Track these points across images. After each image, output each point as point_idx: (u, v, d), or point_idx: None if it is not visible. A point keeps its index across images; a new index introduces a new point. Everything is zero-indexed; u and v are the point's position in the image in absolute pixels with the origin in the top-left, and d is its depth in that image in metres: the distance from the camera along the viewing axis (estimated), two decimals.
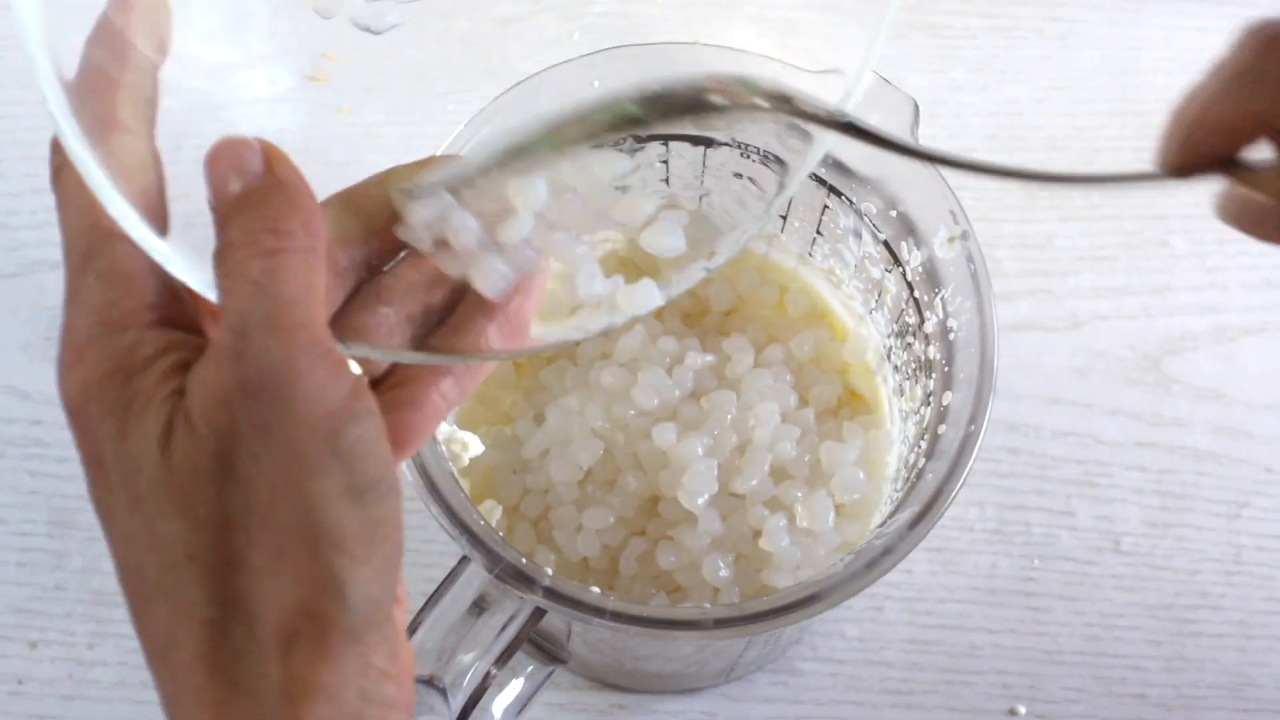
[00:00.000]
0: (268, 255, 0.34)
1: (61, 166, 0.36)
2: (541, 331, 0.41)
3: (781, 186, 0.41)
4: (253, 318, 0.34)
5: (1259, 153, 0.36)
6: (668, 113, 0.38)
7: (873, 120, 0.51)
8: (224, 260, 0.35)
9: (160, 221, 0.36)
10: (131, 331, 0.35)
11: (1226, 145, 0.36)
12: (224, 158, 0.36)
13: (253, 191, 0.36)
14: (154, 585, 0.34)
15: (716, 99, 0.37)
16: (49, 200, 0.37)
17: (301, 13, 0.44)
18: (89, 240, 0.36)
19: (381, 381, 0.40)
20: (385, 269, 0.40)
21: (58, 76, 0.35)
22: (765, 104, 0.38)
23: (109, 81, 0.36)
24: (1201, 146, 0.36)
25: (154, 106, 0.37)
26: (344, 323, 0.39)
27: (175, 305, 0.36)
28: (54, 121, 0.34)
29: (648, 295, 0.40)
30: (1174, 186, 0.37)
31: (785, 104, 0.37)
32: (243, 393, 0.33)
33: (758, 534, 0.54)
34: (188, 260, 0.36)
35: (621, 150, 0.51)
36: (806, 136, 0.40)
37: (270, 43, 0.44)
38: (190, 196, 0.37)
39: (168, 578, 0.34)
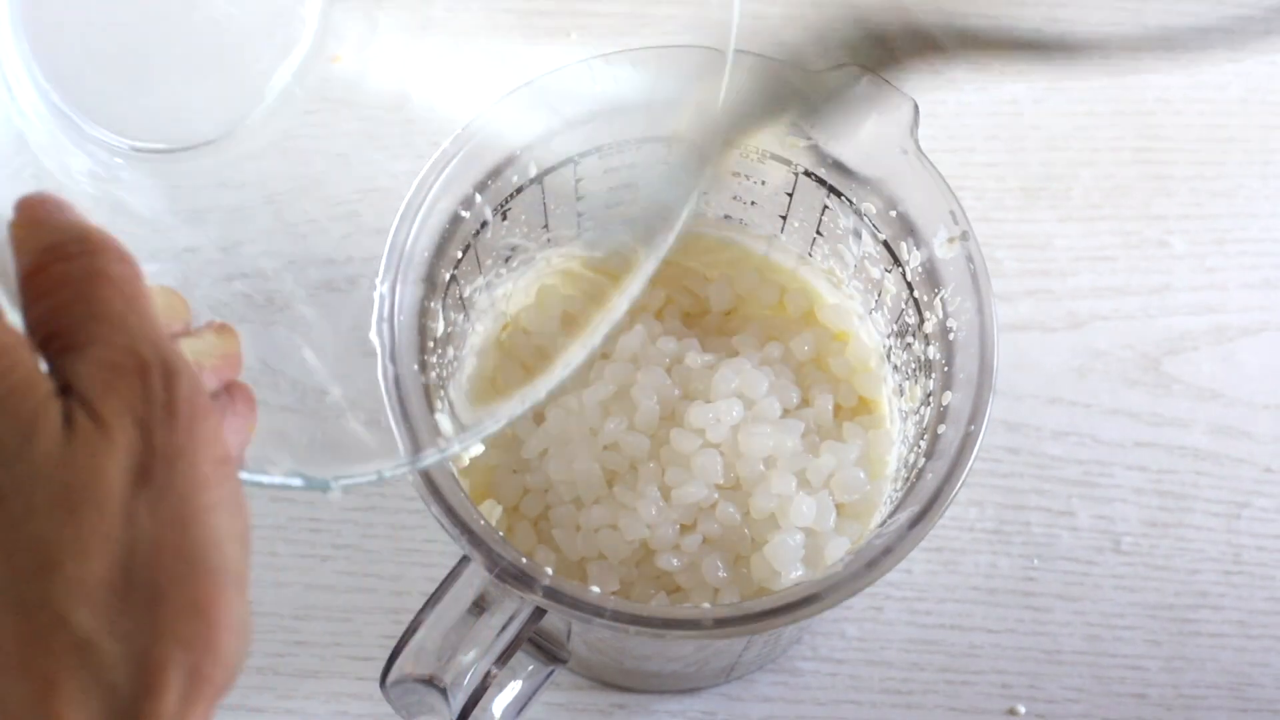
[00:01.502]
0: (99, 276, 0.34)
1: None
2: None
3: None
4: (150, 336, 0.33)
5: None
6: None
7: (871, 119, 0.51)
8: (50, 264, 0.34)
9: None
10: None
11: None
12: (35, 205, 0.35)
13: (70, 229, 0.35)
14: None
15: None
16: None
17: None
18: None
19: None
20: None
21: None
22: None
23: None
24: None
25: None
26: None
27: None
28: None
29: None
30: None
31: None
32: (166, 414, 0.33)
33: (756, 542, 0.54)
34: None
35: None
36: None
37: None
38: None
39: (26, 588, 0.32)
